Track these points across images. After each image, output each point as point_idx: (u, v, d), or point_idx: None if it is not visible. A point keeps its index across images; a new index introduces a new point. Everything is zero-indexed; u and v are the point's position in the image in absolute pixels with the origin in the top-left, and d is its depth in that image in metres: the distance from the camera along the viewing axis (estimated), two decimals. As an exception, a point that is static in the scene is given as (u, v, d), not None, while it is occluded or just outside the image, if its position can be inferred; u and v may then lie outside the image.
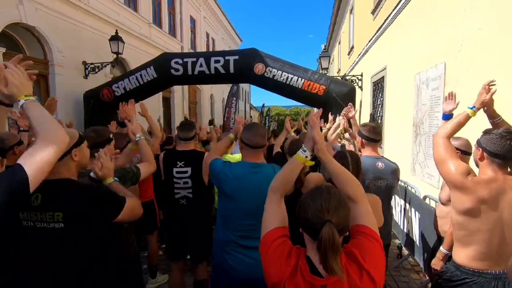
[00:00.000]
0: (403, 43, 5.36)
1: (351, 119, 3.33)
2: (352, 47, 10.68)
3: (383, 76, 6.51)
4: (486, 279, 1.59)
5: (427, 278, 3.05)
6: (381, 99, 6.79)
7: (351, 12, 10.99)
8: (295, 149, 1.58)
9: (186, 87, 13.53)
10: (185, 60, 6.20)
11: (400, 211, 4.01)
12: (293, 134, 3.42)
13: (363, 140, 2.50)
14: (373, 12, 7.40)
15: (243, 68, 6.13)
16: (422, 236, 3.23)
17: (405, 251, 3.98)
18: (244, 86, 25.50)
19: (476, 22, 3.10)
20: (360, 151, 2.59)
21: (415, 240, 3.46)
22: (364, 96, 8.53)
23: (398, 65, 5.62)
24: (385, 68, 6.40)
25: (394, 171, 2.40)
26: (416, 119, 4.49)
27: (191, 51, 14.33)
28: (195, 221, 2.65)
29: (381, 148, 6.39)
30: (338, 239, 1.03)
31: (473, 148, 1.83)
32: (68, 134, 1.25)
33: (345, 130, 3.29)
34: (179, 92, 13.03)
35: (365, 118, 8.21)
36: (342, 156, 1.85)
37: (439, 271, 1.93)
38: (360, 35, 9.09)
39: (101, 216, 1.42)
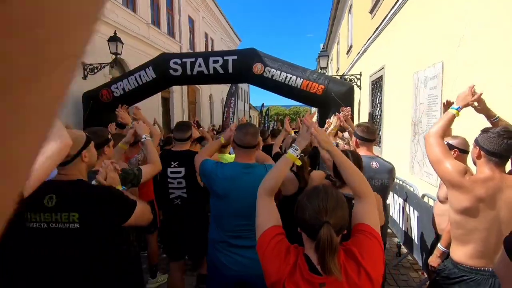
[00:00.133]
0: (401, 42, 5.37)
1: (345, 121, 3.32)
2: (351, 47, 10.69)
3: (382, 75, 6.52)
4: (483, 276, 1.61)
5: (426, 276, 3.07)
6: (380, 98, 6.81)
7: (349, 11, 11.01)
8: None
9: (185, 87, 13.52)
10: (183, 60, 6.19)
11: (399, 209, 4.02)
12: (293, 134, 3.42)
13: (358, 140, 2.52)
14: (371, 12, 7.41)
15: (242, 68, 6.12)
16: (420, 234, 3.24)
17: (404, 250, 3.99)
18: (243, 86, 25.47)
19: (473, 21, 3.12)
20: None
21: (413, 238, 3.47)
22: (362, 95, 8.55)
23: (396, 64, 5.64)
24: (383, 67, 6.42)
25: (389, 171, 2.40)
26: (415, 118, 4.51)
27: (190, 51, 14.31)
28: (192, 222, 2.66)
29: (379, 147, 6.41)
30: (336, 239, 1.03)
31: (471, 147, 1.85)
32: (76, 137, 1.26)
33: (345, 129, 3.29)
34: (178, 92, 13.03)
35: (364, 117, 8.23)
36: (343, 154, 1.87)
37: (437, 268, 1.94)
38: (359, 34, 9.11)
39: (114, 217, 1.44)
